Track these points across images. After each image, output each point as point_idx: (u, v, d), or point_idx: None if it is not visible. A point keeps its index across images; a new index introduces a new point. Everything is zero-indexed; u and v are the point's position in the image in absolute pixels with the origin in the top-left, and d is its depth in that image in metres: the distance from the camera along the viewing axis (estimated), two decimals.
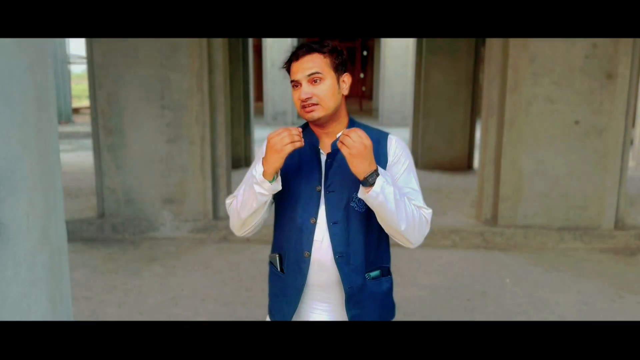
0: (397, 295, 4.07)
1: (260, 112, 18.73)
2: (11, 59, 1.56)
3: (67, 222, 5.48)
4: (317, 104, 1.63)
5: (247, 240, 5.42)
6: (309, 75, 1.63)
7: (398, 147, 1.73)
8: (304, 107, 1.64)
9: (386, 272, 1.79)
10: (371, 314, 1.75)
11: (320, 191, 1.71)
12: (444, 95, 8.90)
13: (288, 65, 1.71)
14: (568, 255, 5.05)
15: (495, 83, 5.37)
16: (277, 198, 1.78)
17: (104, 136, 5.43)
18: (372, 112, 22.00)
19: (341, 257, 1.69)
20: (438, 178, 8.36)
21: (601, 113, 5.14)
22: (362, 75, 32.52)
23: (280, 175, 1.72)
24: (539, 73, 5.12)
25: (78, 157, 10.52)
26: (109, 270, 4.58)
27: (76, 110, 20.93)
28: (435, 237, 5.42)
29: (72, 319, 1.93)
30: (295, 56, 1.68)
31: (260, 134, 13.77)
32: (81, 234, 5.50)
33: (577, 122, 5.17)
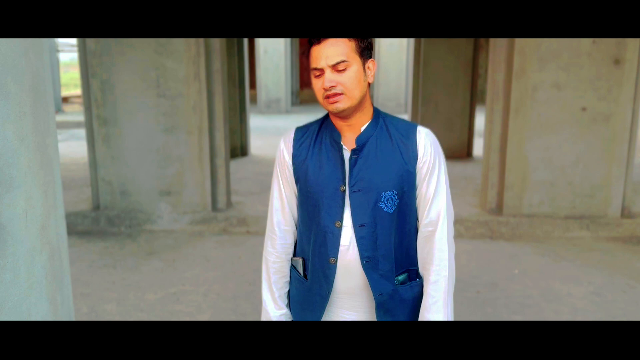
0: None
1: (253, 99, 18.54)
2: (5, 45, 1.42)
3: None
4: (342, 94, 1.48)
5: (247, 232, 5.29)
6: (334, 64, 1.47)
7: (428, 142, 1.57)
8: (327, 97, 1.49)
9: (414, 275, 1.65)
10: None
11: (344, 191, 1.56)
12: (443, 82, 8.78)
13: (307, 50, 1.52)
14: (575, 244, 4.96)
15: (500, 68, 5.24)
16: (300, 199, 1.64)
17: (98, 126, 5.25)
18: None
19: (369, 262, 1.55)
20: None
21: (608, 99, 5.03)
22: None
23: (301, 174, 1.61)
24: (546, 58, 5.00)
25: (69, 147, 10.31)
26: (106, 265, 4.43)
27: (65, 99, 20.64)
28: None
29: (73, 319, 1.81)
30: (317, 40, 1.49)
31: (254, 122, 13.59)
32: (76, 228, 5.34)
33: (584, 109, 5.06)
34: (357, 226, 1.55)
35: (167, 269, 4.36)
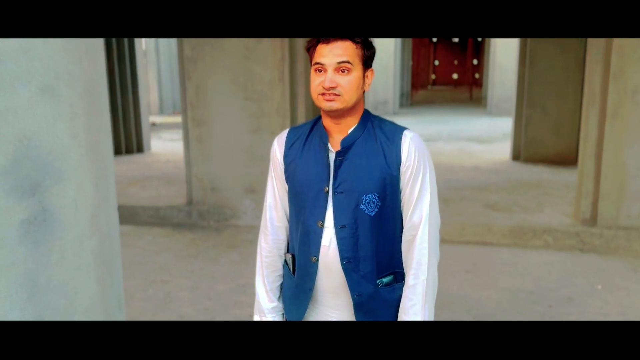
0: (470, 297, 3.86)
1: None
2: (58, 53, 1.61)
3: (160, 208, 5.79)
4: (339, 95, 1.52)
5: None
6: (339, 63, 1.51)
7: (412, 146, 1.57)
8: (323, 94, 1.53)
9: (400, 278, 1.65)
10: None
11: (328, 192, 1.60)
12: (550, 82, 8.27)
13: (314, 46, 1.56)
14: None
15: (597, 69, 4.87)
16: (289, 198, 1.71)
17: (193, 127, 5.66)
18: (481, 101, 21.06)
19: (349, 263, 1.58)
20: (540, 172, 7.81)
21: None
22: (475, 62, 31.08)
23: (290, 173, 1.67)
24: None
25: (181, 146, 11.11)
26: (189, 255, 4.79)
27: None
28: (525, 237, 5.06)
29: (122, 302, 2.00)
30: (325, 39, 1.53)
31: None
32: (172, 220, 5.81)
33: None
34: (338, 227, 1.58)
35: (242, 262, 4.61)
